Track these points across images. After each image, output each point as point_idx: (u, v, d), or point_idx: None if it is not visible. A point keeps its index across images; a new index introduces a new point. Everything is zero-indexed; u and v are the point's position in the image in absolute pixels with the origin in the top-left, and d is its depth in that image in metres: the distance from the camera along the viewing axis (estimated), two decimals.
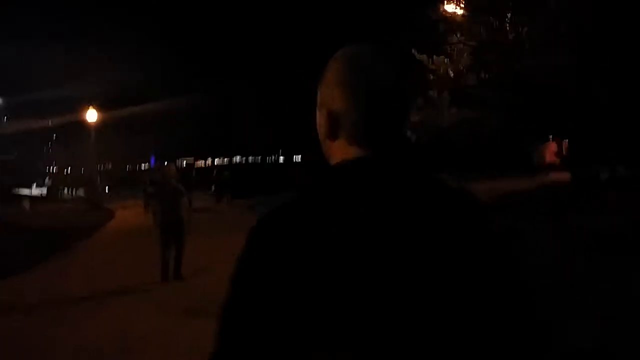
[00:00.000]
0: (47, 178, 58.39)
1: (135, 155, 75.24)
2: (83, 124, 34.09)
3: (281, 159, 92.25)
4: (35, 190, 50.65)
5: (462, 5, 22.18)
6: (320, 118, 1.23)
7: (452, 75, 22.05)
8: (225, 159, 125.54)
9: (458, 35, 21.97)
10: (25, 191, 45.05)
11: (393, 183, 1.09)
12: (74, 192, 44.48)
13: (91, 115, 32.57)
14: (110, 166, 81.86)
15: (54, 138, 63.87)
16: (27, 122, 46.67)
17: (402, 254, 1.03)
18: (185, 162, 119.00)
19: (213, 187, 30.61)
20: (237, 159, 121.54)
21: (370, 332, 0.99)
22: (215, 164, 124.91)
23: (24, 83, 50.45)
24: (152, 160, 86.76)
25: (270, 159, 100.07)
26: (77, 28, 76.08)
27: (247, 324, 1.05)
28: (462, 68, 21.98)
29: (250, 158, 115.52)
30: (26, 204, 33.50)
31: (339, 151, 1.18)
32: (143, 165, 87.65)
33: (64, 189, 48.46)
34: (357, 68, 1.15)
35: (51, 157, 64.42)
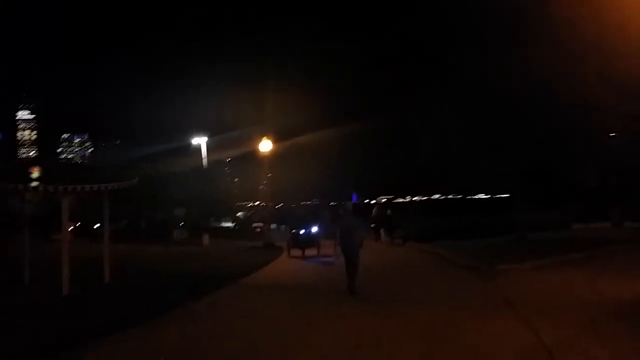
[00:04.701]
0: (237, 212, 58.18)
1: (339, 192, 74.10)
2: (258, 156, 31.55)
3: (482, 196, 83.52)
4: (227, 223, 50.37)
5: None
6: None
7: None
8: (424, 197, 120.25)
9: None
10: (216, 224, 44.33)
11: None
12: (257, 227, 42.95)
13: (265, 146, 29.58)
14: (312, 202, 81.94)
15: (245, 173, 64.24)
16: (221, 156, 46.56)
17: None
18: (384, 199, 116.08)
19: (372, 225, 26.15)
20: (436, 196, 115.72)
21: None
22: (414, 200, 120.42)
23: (219, 124, 51.18)
24: (354, 197, 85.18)
25: (471, 196, 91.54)
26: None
27: None
28: None
29: (450, 196, 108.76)
30: (205, 239, 31.18)
31: None
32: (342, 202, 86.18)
33: (250, 223, 46.94)
34: None
35: (238, 190, 64.78)
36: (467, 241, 22.18)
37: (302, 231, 21.86)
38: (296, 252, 21.15)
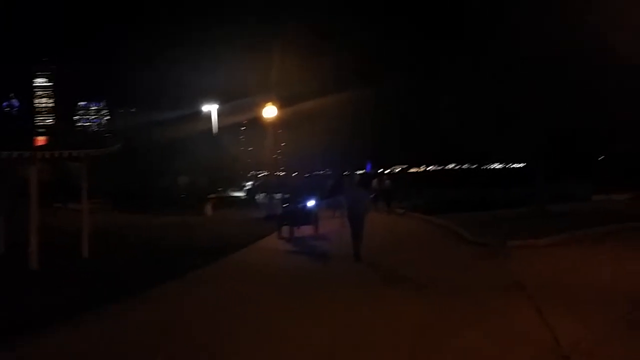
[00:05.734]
0: (247, 181, 57.19)
1: (354, 161, 72.80)
2: (268, 124, 30.17)
3: (498, 165, 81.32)
4: (237, 193, 49.31)
5: None
6: None
7: None
8: (439, 166, 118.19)
9: None
10: (224, 193, 43.37)
11: None
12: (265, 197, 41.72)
13: (269, 112, 28.19)
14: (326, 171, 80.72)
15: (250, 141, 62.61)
16: (231, 124, 45.38)
17: None
18: (399, 168, 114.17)
19: (372, 195, 24.75)
20: (451, 166, 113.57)
21: None
22: (429, 170, 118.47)
23: (230, 91, 49.65)
24: (369, 167, 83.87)
25: (486, 166, 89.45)
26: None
27: None
28: None
29: (465, 165, 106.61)
30: (208, 210, 30.14)
31: None
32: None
33: (259, 193, 45.94)
34: None
35: (249, 159, 63.49)
36: (480, 213, 20.79)
37: (294, 205, 17.61)
38: (288, 231, 16.85)
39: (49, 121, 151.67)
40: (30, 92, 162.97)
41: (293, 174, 52.87)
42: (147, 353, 6.26)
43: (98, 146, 12.78)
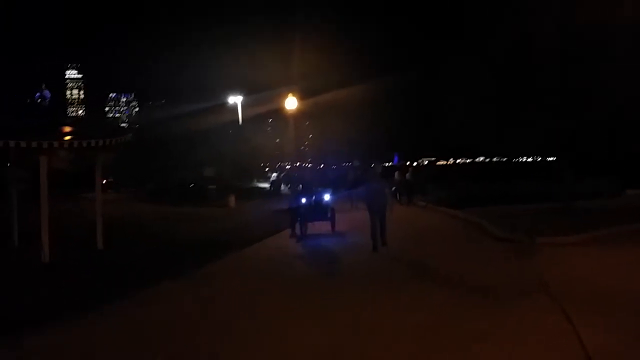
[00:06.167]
0: (273, 172, 57.26)
1: (380, 153, 72.48)
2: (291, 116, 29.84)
3: (528, 159, 79.63)
4: (262, 184, 49.48)
5: None
6: None
7: None
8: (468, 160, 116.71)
9: None
10: (249, 184, 43.44)
11: None
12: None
13: (291, 103, 27.83)
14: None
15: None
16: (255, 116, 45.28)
17: None
18: (427, 161, 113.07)
19: (393, 188, 23.33)
20: (480, 159, 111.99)
21: None
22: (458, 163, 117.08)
23: (255, 83, 49.71)
24: (396, 159, 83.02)
25: (517, 159, 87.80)
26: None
27: None
28: None
29: (494, 158, 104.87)
30: (232, 201, 30.02)
31: None
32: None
33: (284, 185, 46.00)
34: None
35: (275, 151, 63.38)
36: (507, 208, 20.10)
37: (308, 199, 15.33)
38: (301, 227, 15.02)
39: (81, 112, 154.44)
40: (62, 84, 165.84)
41: (319, 166, 52.55)
42: (148, 352, 6.03)
43: (111, 136, 12.57)
